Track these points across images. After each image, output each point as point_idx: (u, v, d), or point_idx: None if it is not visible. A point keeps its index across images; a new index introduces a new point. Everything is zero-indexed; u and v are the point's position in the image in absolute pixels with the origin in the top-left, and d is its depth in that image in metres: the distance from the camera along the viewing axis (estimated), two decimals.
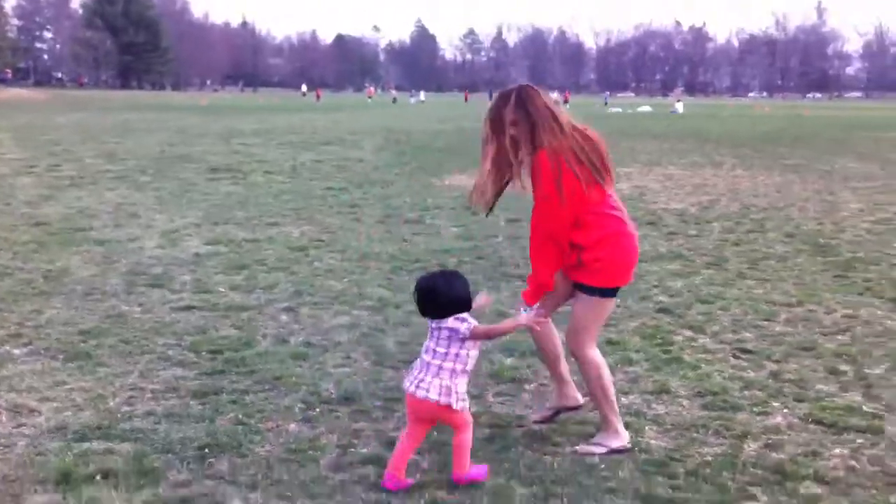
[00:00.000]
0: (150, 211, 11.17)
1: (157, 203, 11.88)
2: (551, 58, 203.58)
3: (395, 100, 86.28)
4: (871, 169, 18.16)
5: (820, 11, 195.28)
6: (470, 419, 3.77)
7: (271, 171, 16.14)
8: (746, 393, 4.87)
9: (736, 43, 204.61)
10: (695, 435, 4.27)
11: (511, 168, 4.10)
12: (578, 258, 4.03)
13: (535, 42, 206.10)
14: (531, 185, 4.06)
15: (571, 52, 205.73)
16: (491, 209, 4.41)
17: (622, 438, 4.08)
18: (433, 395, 3.60)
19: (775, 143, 25.89)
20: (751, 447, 4.11)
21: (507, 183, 4.24)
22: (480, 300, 3.95)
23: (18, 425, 4.23)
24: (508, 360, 5.37)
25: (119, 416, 4.36)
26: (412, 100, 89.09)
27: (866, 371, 5.25)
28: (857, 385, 5.01)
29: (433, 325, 3.71)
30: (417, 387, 3.63)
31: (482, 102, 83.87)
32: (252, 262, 8.15)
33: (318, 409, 4.52)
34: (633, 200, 12.83)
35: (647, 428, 4.36)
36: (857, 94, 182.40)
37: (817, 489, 3.70)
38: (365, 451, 4.02)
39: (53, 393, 4.65)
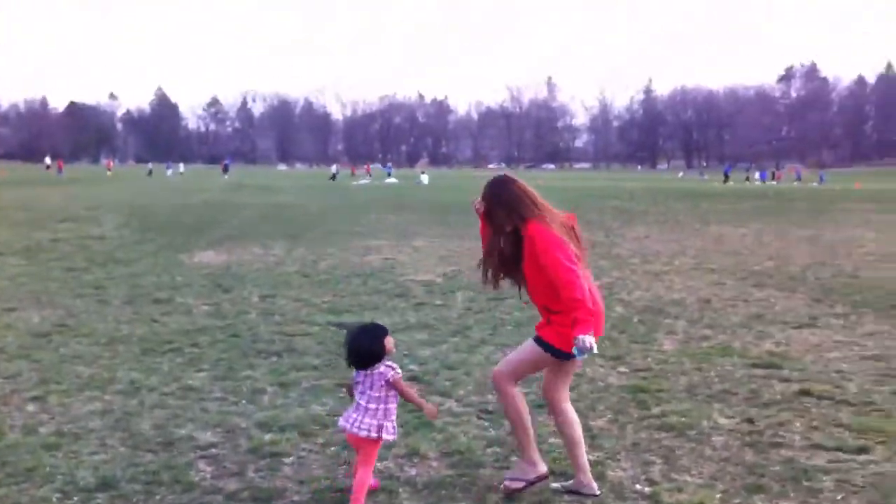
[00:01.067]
0: None
1: None
2: (298, 128, 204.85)
3: (150, 172, 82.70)
4: (597, 237, 19.86)
5: (550, 87, 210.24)
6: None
7: (3, 253, 15.29)
8: (489, 450, 5.35)
9: (475, 115, 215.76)
10: (443, 492, 4.67)
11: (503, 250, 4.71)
12: (549, 319, 4.55)
13: (282, 112, 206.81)
14: (529, 256, 4.54)
15: (318, 122, 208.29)
16: (496, 286, 4.90)
17: (538, 468, 4.69)
18: (373, 434, 4.34)
19: None
20: (493, 499, 4.56)
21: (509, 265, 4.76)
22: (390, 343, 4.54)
23: None
24: (267, 436, 5.55)
25: None
26: (169, 171, 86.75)
27: (591, 423, 5.90)
28: (583, 437, 5.62)
29: (364, 373, 4.41)
30: (359, 428, 4.34)
31: (247, 174, 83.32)
32: None
33: (75, 498, 4.51)
34: (383, 272, 13.39)
35: (400, 490, 4.70)
36: (586, 164, 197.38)
37: None
38: None
39: None
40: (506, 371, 4.74)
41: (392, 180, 67.62)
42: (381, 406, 4.40)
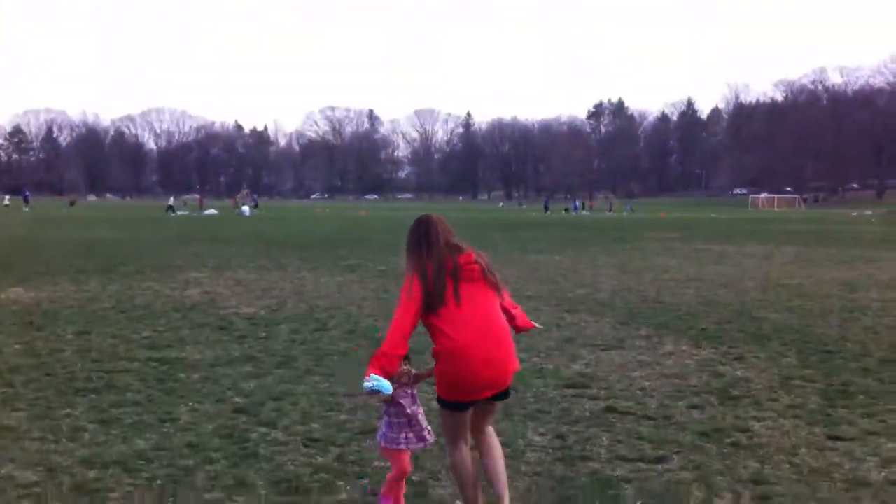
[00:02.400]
0: None
1: None
2: (109, 158, 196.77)
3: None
4: None
5: (372, 119, 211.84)
6: (396, 465, 4.79)
7: None
8: (316, 476, 5.51)
9: (297, 147, 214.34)
10: None
11: None
12: None
13: (90, 142, 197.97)
14: None
15: (131, 153, 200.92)
16: None
17: None
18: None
19: (336, 246, 27.75)
20: None
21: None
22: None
23: None
24: (91, 473, 5.49)
25: None
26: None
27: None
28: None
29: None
30: None
31: (53, 206, 79.18)
32: None
33: None
34: (203, 306, 13.24)
35: None
36: (409, 195, 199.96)
37: None
38: None
39: None
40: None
41: (211, 211, 66.22)
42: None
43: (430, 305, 4.40)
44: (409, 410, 4.65)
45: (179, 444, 6.14)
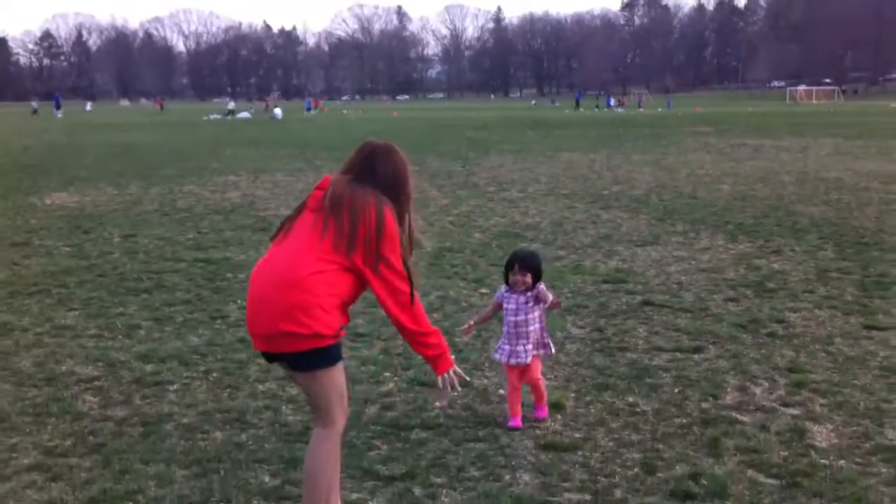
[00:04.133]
0: None
1: None
2: (139, 62, 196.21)
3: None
4: (453, 167, 20.37)
5: (401, 17, 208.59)
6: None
7: None
8: (363, 368, 5.73)
9: (326, 47, 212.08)
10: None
11: None
12: None
13: (120, 46, 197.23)
14: None
15: (160, 56, 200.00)
16: None
17: None
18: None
19: None
20: (371, 410, 4.96)
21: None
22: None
23: None
24: (149, 367, 5.75)
25: None
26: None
27: (456, 340, 6.36)
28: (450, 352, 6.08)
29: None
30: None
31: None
32: None
33: None
34: (243, 208, 13.46)
35: (283, 407, 5.04)
36: (440, 94, 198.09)
37: (423, 434, 4.62)
38: (26, 461, 4.28)
39: None
40: None
41: (245, 114, 66.16)
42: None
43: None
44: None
45: (231, 340, 6.39)
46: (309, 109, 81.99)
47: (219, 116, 63.13)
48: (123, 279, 8.50)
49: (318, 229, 3.40)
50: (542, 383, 4.91)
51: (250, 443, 4.53)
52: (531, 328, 4.72)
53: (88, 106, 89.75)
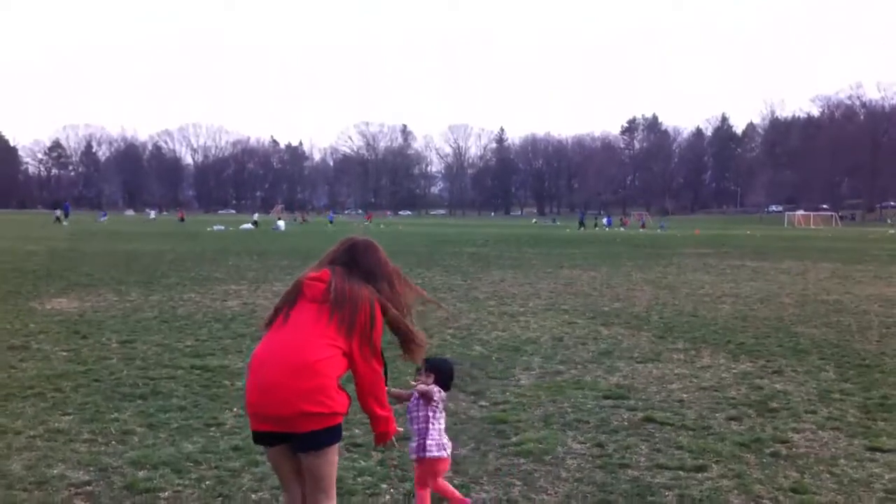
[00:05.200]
0: None
1: None
2: (147, 173, 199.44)
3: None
4: (455, 281, 20.44)
5: (405, 135, 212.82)
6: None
7: None
8: (360, 479, 5.62)
9: (331, 162, 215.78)
10: None
11: None
12: None
13: (129, 157, 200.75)
14: None
15: (168, 168, 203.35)
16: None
17: None
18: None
19: None
20: None
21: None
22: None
23: None
24: (141, 473, 5.64)
25: None
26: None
27: (454, 453, 6.24)
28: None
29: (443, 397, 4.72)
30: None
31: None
32: None
33: None
34: (244, 317, 13.44)
35: None
36: (442, 211, 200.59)
37: None
38: None
39: None
40: None
41: (246, 226, 66.88)
42: None
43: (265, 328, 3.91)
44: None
45: (225, 448, 6.28)
46: (332, 221, 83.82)
47: (222, 227, 63.79)
48: (119, 384, 8.41)
49: (325, 318, 3.73)
50: (441, 486, 4.91)
51: None
52: (415, 426, 4.74)
53: (104, 216, 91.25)
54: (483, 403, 7.88)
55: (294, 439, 3.67)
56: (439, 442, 4.73)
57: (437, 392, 4.69)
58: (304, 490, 3.84)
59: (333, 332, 3.71)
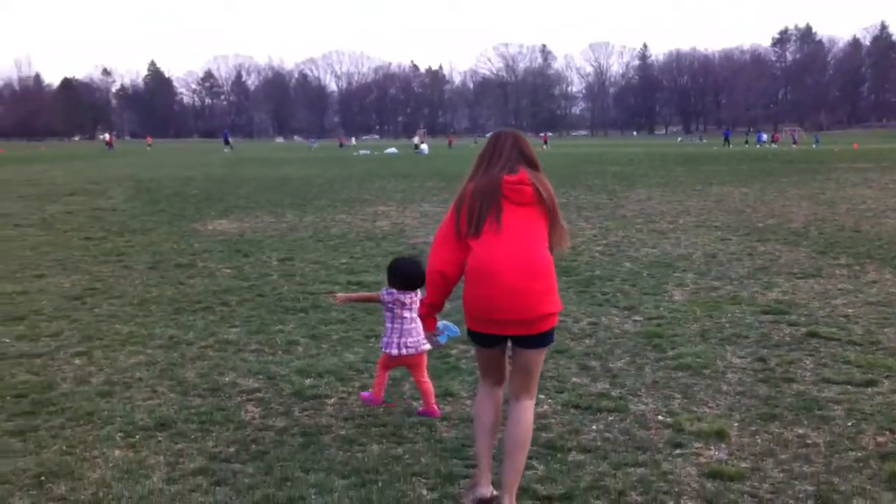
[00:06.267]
0: None
1: None
2: (294, 101, 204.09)
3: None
4: (600, 199, 20.16)
5: (545, 55, 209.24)
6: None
7: (20, 224, 15.59)
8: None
9: (471, 85, 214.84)
10: None
11: None
12: None
13: (276, 85, 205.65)
14: None
15: (314, 95, 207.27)
16: None
17: (478, 487, 3.96)
18: (425, 346, 5.20)
19: None
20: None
21: None
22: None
23: None
24: (307, 381, 5.87)
25: None
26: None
27: (610, 365, 6.23)
28: (604, 376, 5.97)
29: (409, 296, 5.14)
30: (421, 345, 5.20)
31: (247, 147, 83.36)
32: (28, 312, 8.12)
33: (137, 437, 4.83)
34: (394, 236, 13.69)
35: (438, 423, 5.03)
36: (583, 131, 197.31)
37: (581, 457, 4.51)
38: (192, 465, 4.41)
39: None
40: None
41: (392, 150, 67.72)
42: (418, 323, 5.11)
43: (469, 233, 3.83)
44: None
45: None
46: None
47: (368, 153, 64.84)
48: (281, 299, 8.75)
49: (539, 221, 3.86)
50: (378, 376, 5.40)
51: (407, 456, 4.53)
52: None
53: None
54: (637, 318, 7.79)
55: (528, 339, 3.83)
56: (386, 341, 5.24)
57: (383, 294, 5.19)
58: (514, 394, 4.00)
59: (545, 233, 3.87)
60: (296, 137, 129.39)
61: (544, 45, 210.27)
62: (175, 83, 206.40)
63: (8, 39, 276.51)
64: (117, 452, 4.59)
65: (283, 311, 8.17)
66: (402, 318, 5.16)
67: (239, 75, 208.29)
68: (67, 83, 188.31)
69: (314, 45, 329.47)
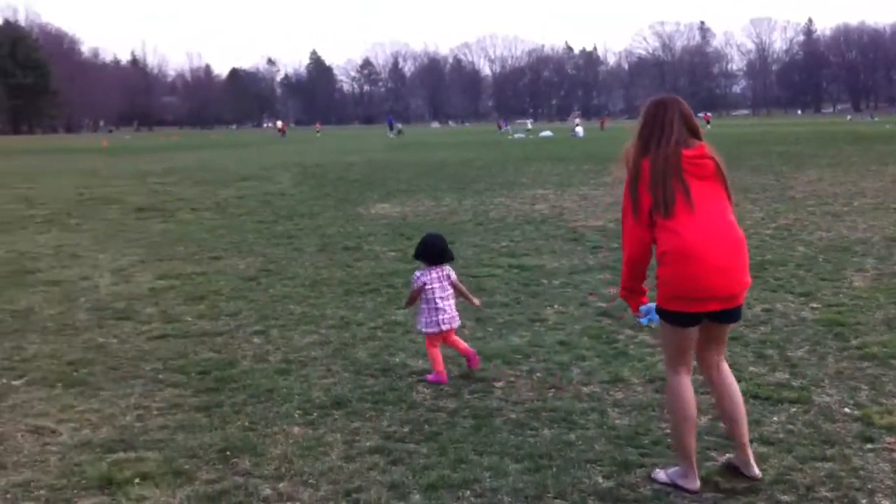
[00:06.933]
0: (91, 251, 11.38)
1: (95, 243, 12.09)
2: (449, 86, 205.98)
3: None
4: (766, 181, 19.38)
5: (703, 32, 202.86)
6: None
7: (197, 209, 16.41)
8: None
9: (626, 66, 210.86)
10: (652, 413, 4.89)
11: None
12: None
13: (432, 71, 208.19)
14: None
15: (468, 80, 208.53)
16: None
17: (689, 481, 3.91)
18: (458, 321, 5.81)
19: None
20: (703, 420, 4.73)
21: None
22: None
23: (44, 444, 4.58)
24: None
25: (135, 430, 4.75)
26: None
27: (789, 354, 5.97)
28: (783, 366, 5.72)
29: (436, 274, 5.69)
30: (456, 320, 5.75)
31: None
32: (208, 292, 8.52)
33: (314, 414, 4.98)
34: (553, 219, 13.60)
35: (609, 410, 4.96)
36: (744, 111, 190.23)
37: (764, 449, 4.34)
38: (368, 444, 4.50)
39: (66, 416, 5.00)
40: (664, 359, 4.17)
41: (547, 133, 67.35)
42: (450, 301, 5.71)
43: (658, 212, 3.72)
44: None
45: (552, 342, 6.42)
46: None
47: (522, 136, 64.74)
48: None
49: (723, 195, 3.85)
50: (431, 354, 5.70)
51: (580, 443, 4.48)
52: None
53: (399, 126, 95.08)
54: (814, 305, 7.44)
55: (727, 314, 3.84)
56: (425, 321, 5.63)
57: (416, 280, 5.68)
58: (711, 366, 4.05)
59: (729, 204, 3.88)
60: (450, 122, 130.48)
61: (702, 22, 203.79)
62: (335, 71, 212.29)
63: (181, 33, 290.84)
64: (296, 429, 4.74)
65: None
66: (434, 298, 5.62)
67: (396, 62, 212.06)
68: (235, 73, 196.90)
69: (468, 30, 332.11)
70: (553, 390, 5.33)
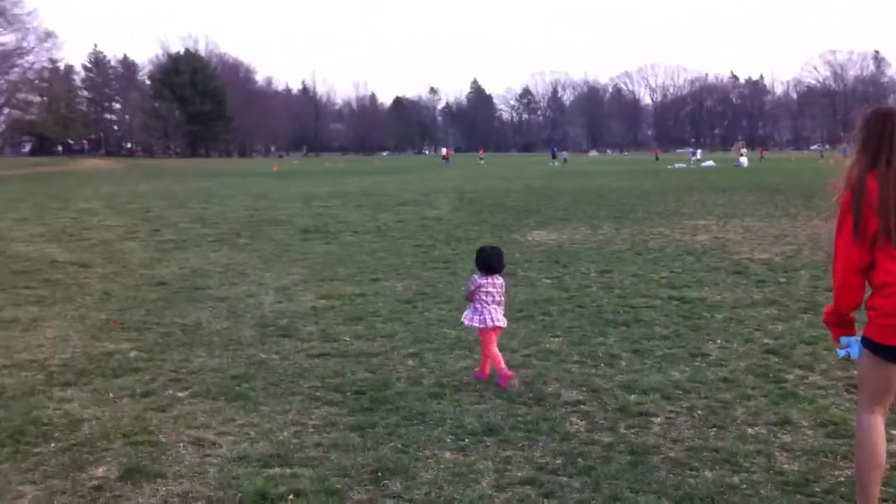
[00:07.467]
0: (258, 270, 11.82)
1: (262, 262, 12.55)
2: (608, 115, 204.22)
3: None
4: None
5: (878, 61, 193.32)
6: None
7: (358, 231, 16.81)
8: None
9: (794, 95, 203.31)
10: (824, 459, 4.58)
11: None
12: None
13: (591, 100, 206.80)
14: None
15: (627, 108, 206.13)
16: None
17: None
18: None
19: None
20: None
21: None
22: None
23: (204, 455, 4.72)
24: (632, 397, 5.71)
25: (291, 446, 4.83)
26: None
27: None
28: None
29: (490, 280, 6.27)
30: (502, 320, 6.27)
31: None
32: (366, 313, 8.66)
33: (466, 440, 4.93)
34: (715, 251, 13.15)
35: (776, 453, 4.68)
36: None
37: None
38: (520, 474, 4.41)
39: (226, 428, 5.15)
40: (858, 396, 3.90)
41: (709, 163, 65.66)
42: (498, 306, 6.30)
43: (882, 239, 3.46)
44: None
45: (714, 379, 6.15)
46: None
47: (683, 166, 63.34)
48: (601, 311, 8.66)
49: None
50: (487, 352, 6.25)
51: (744, 486, 4.24)
52: None
53: (565, 155, 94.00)
54: None
55: None
56: (479, 318, 6.18)
57: (472, 282, 6.27)
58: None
59: None
60: (608, 151, 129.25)
61: (877, 52, 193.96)
62: (495, 100, 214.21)
63: (349, 63, 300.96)
64: (448, 454, 4.71)
65: (603, 324, 8.06)
66: (485, 301, 6.20)
67: (555, 91, 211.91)
68: (399, 102, 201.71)
69: (629, 59, 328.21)
70: (715, 429, 5.09)
